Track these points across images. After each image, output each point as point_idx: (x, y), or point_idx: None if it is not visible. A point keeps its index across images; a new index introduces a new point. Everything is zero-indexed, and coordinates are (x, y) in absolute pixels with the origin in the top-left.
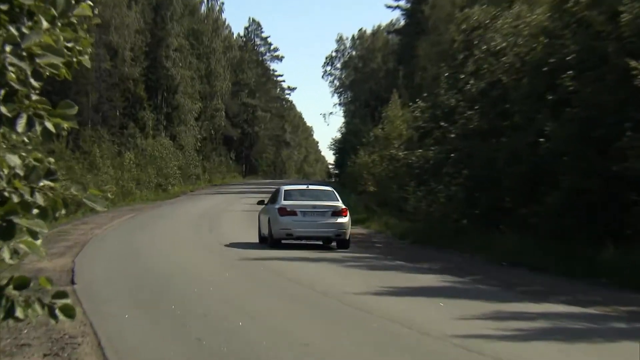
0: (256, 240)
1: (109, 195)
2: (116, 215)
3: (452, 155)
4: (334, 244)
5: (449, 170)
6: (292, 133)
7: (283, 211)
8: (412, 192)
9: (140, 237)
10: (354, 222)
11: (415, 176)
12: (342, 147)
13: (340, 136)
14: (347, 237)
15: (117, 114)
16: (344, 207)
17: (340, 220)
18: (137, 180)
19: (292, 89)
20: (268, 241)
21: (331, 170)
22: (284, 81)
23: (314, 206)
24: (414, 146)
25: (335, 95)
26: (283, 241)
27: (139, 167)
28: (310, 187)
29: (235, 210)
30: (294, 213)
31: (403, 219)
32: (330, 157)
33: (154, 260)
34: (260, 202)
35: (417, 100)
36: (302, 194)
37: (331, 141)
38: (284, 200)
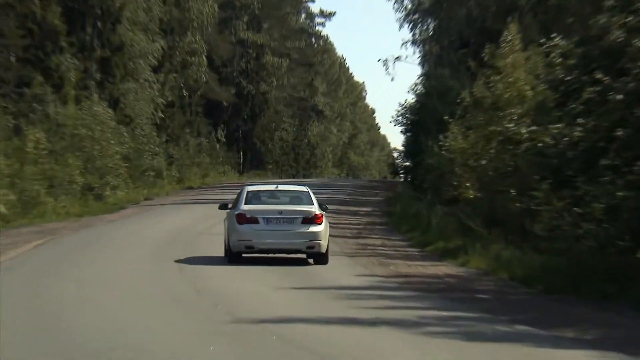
0: (264, 286)
1: None
2: (10, 243)
3: (618, 133)
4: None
5: (612, 160)
6: (327, 95)
7: (242, 218)
8: (544, 201)
9: (58, 286)
10: (440, 253)
11: (552, 172)
12: (416, 120)
13: (414, 100)
14: (324, 251)
15: (12, 59)
16: (318, 212)
17: (313, 228)
18: (49, 180)
19: (328, 16)
20: (226, 255)
21: (398, 161)
22: (312, 1)
23: (280, 211)
24: (548, 118)
25: (406, 26)
26: (244, 255)
27: (52, 155)
28: (281, 187)
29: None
30: (254, 220)
31: (528, 250)
32: (396, 137)
33: (84, 329)
34: (223, 207)
35: (553, 35)
36: (269, 197)
37: (398, 110)
38: (245, 204)
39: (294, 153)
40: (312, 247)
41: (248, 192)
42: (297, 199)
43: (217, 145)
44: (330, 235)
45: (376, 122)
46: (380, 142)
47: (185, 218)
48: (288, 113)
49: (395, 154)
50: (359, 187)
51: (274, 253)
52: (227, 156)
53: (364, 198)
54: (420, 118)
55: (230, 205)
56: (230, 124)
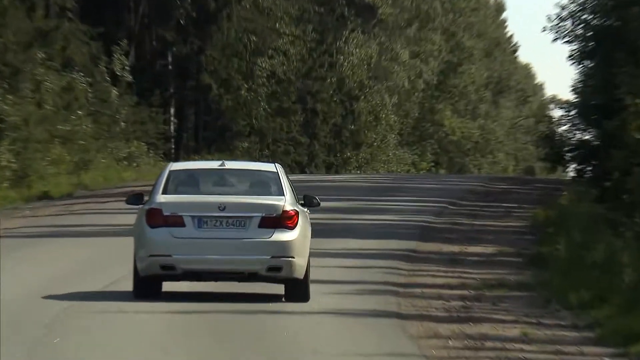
0: None
1: None
2: None
3: None
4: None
5: None
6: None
7: (155, 217)
8: None
9: None
10: None
11: None
12: (611, 29)
13: None
14: (300, 276)
15: None
16: (289, 208)
17: (279, 236)
18: None
19: None
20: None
21: (562, 132)
22: None
23: (223, 206)
24: None
25: None
26: (164, 283)
27: None
28: (229, 164)
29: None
30: (177, 221)
31: None
32: (555, 77)
33: None
34: (134, 200)
35: None
36: (207, 180)
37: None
38: (164, 193)
39: (305, 112)
40: (278, 269)
41: (171, 172)
42: (256, 186)
43: (114, 93)
44: (402, 312)
45: (509, 37)
46: (517, 83)
47: (37, 276)
48: (288, 15)
49: (558, 113)
50: (465, 195)
51: (211, 279)
52: (140, 120)
53: (479, 222)
54: (620, 28)
55: (146, 198)
56: (144, 44)
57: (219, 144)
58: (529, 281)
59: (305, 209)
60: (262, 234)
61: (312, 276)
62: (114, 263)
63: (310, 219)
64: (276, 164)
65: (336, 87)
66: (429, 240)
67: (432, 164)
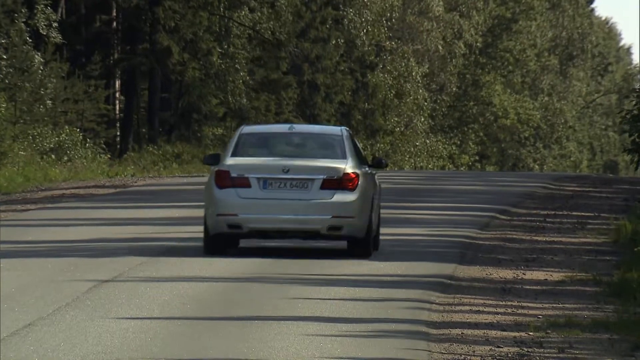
0: None
1: None
2: None
3: None
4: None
5: None
6: None
7: (223, 179)
8: None
9: None
10: None
11: None
12: None
13: None
14: (361, 234)
15: None
16: (350, 170)
17: (340, 197)
18: None
19: None
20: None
21: None
22: None
23: (287, 169)
24: None
25: None
26: (241, 241)
27: None
28: (298, 128)
29: None
30: (243, 182)
31: None
32: None
33: None
34: (210, 160)
35: None
36: (275, 143)
37: None
38: (233, 155)
39: (301, 86)
40: (339, 228)
41: (241, 135)
42: (321, 149)
43: (38, 60)
44: None
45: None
46: (594, 46)
47: None
48: None
49: None
50: (521, 201)
51: (276, 237)
52: (74, 98)
53: (542, 238)
54: None
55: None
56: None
57: (181, 130)
58: (610, 319)
59: (372, 170)
60: (323, 195)
61: (312, 312)
62: (34, 296)
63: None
64: (343, 128)
65: (344, 51)
66: (472, 263)
67: (476, 157)
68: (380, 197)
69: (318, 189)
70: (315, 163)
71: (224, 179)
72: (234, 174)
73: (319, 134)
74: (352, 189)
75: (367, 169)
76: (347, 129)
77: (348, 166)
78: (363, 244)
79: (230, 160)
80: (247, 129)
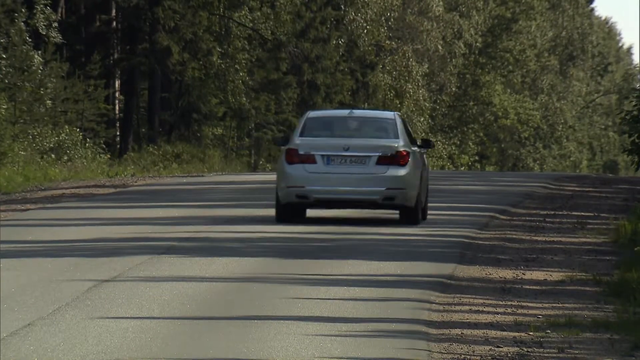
0: None
1: None
2: None
3: None
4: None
5: None
6: None
7: (293, 155)
8: None
9: None
10: None
11: None
12: None
13: None
14: (411, 203)
15: None
16: (402, 148)
17: (392, 172)
18: None
19: None
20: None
21: None
22: None
23: (347, 147)
24: None
25: None
26: (308, 210)
27: None
28: (357, 112)
29: None
30: (310, 159)
31: None
32: None
33: None
34: (281, 141)
35: None
36: (336, 126)
37: None
38: (301, 135)
39: (300, 86)
40: (393, 198)
41: (308, 118)
42: (376, 130)
43: (38, 59)
44: None
45: None
46: (594, 46)
47: None
48: None
49: None
50: (521, 201)
51: (338, 207)
52: (74, 98)
53: (541, 237)
54: None
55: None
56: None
57: (181, 130)
58: (610, 319)
59: (421, 150)
60: (379, 170)
61: (311, 312)
62: (33, 296)
63: (311, 232)
64: (395, 113)
65: (344, 51)
66: (472, 263)
67: (476, 157)
68: (428, 173)
69: (374, 165)
70: (371, 142)
71: (293, 156)
72: (301, 152)
73: (375, 118)
74: (403, 165)
75: (416, 148)
76: (399, 113)
77: (400, 145)
78: (412, 213)
79: (298, 140)
80: (312, 113)
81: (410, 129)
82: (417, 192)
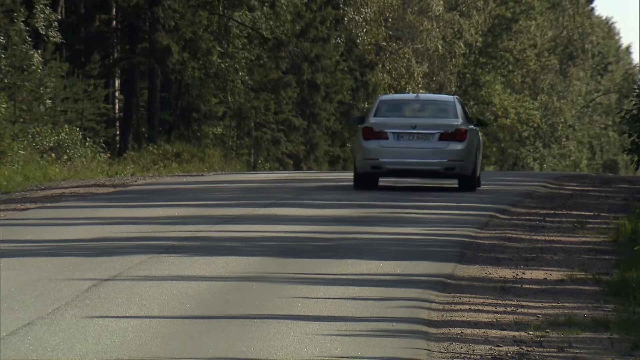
0: None
1: None
2: None
3: None
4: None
5: None
6: None
7: (368, 132)
8: None
9: None
10: None
11: None
12: None
13: None
14: (468, 173)
15: None
16: (461, 127)
17: (452, 146)
18: None
19: None
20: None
21: None
22: None
23: (414, 125)
24: None
25: None
26: (381, 179)
27: None
28: (422, 97)
29: None
30: (383, 135)
31: None
32: None
33: None
34: (356, 120)
35: None
36: (405, 108)
37: None
38: (374, 116)
39: (300, 85)
40: (452, 168)
41: (381, 101)
42: (438, 111)
43: (37, 59)
44: None
45: None
46: (593, 46)
47: None
48: None
49: None
50: (521, 200)
51: (406, 176)
52: (73, 97)
53: (541, 237)
54: None
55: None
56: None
57: (181, 129)
58: (610, 318)
59: (476, 128)
60: (441, 145)
61: (311, 311)
62: (33, 295)
63: (311, 232)
64: (455, 96)
65: (343, 50)
66: (471, 262)
67: None
68: (482, 149)
69: (437, 140)
70: (434, 121)
71: (368, 133)
72: (376, 129)
73: (437, 101)
74: (462, 140)
75: (472, 126)
76: (458, 97)
77: (459, 123)
78: (469, 181)
79: (373, 120)
80: (383, 97)
81: (467, 110)
82: (473, 164)
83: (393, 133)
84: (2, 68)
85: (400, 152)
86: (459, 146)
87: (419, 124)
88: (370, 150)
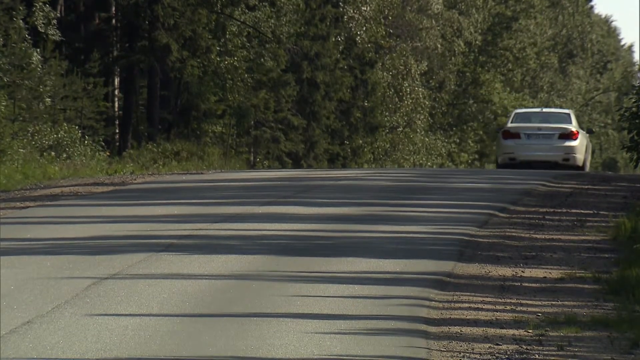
0: None
1: None
2: None
3: None
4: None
5: None
6: None
7: (506, 134)
8: None
9: None
10: None
11: None
12: None
13: None
14: (580, 164)
15: None
16: (574, 129)
17: (568, 143)
18: None
19: None
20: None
21: None
22: None
23: (539, 128)
24: None
25: None
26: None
27: None
28: (545, 109)
29: None
30: (517, 136)
31: None
32: None
33: None
34: (498, 127)
35: None
36: (533, 117)
37: None
38: (511, 122)
39: (300, 83)
40: (568, 160)
41: (516, 113)
42: (558, 119)
43: (37, 57)
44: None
45: None
46: (593, 44)
47: None
48: None
49: None
50: (520, 198)
51: (533, 166)
52: (73, 95)
53: (540, 235)
54: None
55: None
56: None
57: (180, 127)
58: (609, 316)
59: (586, 133)
60: (560, 142)
61: (311, 309)
62: (33, 294)
63: (310, 230)
64: (570, 110)
65: (343, 48)
66: (471, 261)
67: (476, 155)
68: (590, 149)
69: (557, 139)
70: (555, 125)
71: (507, 135)
72: (512, 132)
73: (557, 112)
74: (575, 139)
75: (583, 131)
76: (573, 110)
77: (572, 127)
78: (580, 169)
79: (510, 125)
80: (518, 110)
81: (579, 121)
82: (583, 157)
83: (525, 134)
84: (1, 66)
85: (530, 147)
86: (573, 143)
87: (544, 127)
88: (508, 147)
